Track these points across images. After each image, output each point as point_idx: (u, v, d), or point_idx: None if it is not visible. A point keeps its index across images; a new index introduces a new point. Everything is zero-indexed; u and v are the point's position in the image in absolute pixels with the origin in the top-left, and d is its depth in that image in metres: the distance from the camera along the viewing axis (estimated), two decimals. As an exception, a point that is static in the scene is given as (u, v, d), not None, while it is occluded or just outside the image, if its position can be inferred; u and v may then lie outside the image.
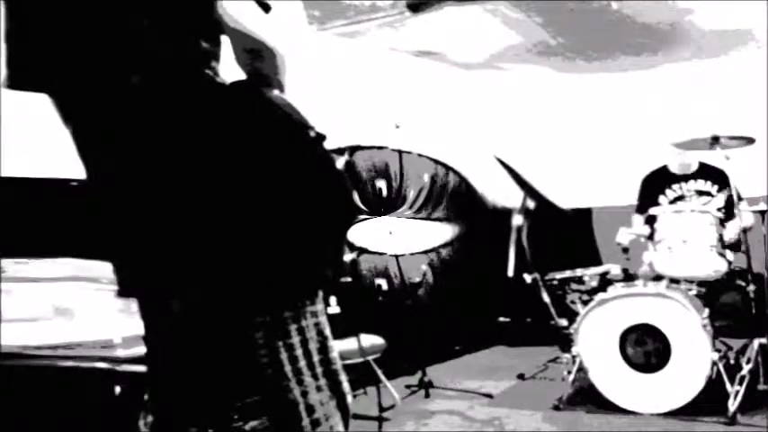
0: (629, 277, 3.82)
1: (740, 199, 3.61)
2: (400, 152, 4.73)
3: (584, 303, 3.72)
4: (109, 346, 1.74)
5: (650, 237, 3.60)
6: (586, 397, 3.52)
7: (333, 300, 3.32)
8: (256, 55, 1.14)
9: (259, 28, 1.12)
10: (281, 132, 1.16)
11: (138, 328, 1.16)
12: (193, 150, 1.09)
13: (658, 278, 3.54)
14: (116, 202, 1.12)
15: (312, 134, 1.17)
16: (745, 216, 3.50)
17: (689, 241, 3.39)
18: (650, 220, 3.66)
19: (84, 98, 1.10)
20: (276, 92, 1.17)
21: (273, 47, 1.14)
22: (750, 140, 3.42)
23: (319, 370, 1.17)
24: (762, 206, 3.48)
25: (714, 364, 3.19)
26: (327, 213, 1.18)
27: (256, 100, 1.16)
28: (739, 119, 3.90)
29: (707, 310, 3.33)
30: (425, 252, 5.22)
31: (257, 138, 1.13)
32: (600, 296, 3.52)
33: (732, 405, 3.09)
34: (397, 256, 4.42)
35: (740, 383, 3.18)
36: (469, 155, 5.60)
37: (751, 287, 3.30)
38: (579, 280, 3.93)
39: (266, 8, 1.18)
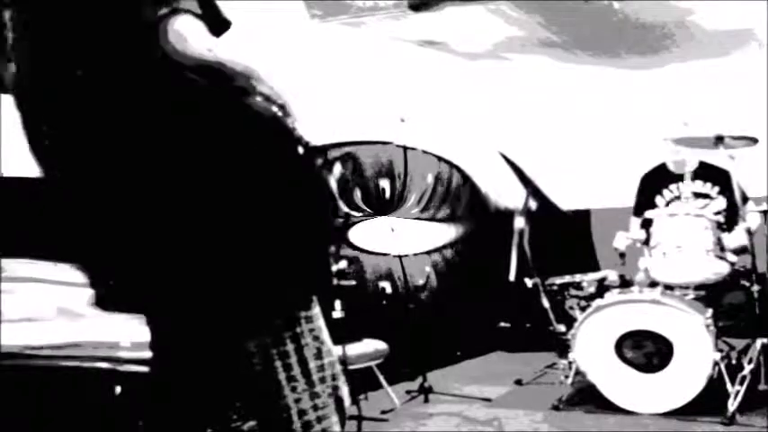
0: (625, 283, 3.82)
1: (746, 199, 3.60)
2: (405, 148, 4.71)
3: (582, 309, 3.73)
4: (114, 347, 1.75)
5: (646, 242, 3.59)
6: (585, 397, 3.52)
7: (337, 304, 3.32)
8: (218, 72, 1.14)
9: (204, 48, 1.11)
10: (268, 144, 1.17)
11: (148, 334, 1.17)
12: (183, 159, 1.09)
13: (654, 284, 3.53)
14: (97, 212, 1.12)
15: (301, 148, 1.18)
16: (750, 217, 3.48)
17: (683, 246, 3.38)
18: (646, 224, 3.65)
19: (70, 107, 1.11)
20: (262, 101, 1.17)
21: (226, 61, 1.12)
22: (753, 141, 3.40)
23: (316, 376, 1.18)
24: (764, 206, 3.47)
25: (716, 364, 3.19)
26: (314, 223, 1.19)
27: (243, 111, 1.16)
28: (742, 119, 3.89)
29: (710, 311, 3.33)
30: (428, 252, 5.21)
31: (245, 147, 1.13)
32: (597, 302, 3.52)
33: (732, 405, 3.09)
34: (400, 258, 4.41)
35: (741, 383, 3.18)
36: (474, 151, 5.58)
37: (755, 287, 3.30)
38: (578, 285, 3.94)
39: (226, 25, 1.18)
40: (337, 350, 3.12)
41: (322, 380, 1.18)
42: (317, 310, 1.22)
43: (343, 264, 3.84)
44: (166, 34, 1.07)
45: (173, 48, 1.08)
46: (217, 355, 1.12)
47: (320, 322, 1.22)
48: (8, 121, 2.10)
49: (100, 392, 2.08)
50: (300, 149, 1.18)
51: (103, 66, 1.10)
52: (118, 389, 2.06)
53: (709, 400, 3.18)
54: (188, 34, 1.08)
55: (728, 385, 3.16)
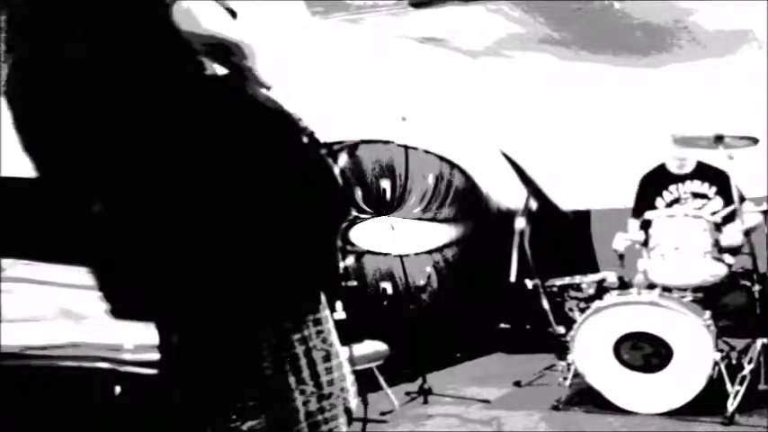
0: (624, 285, 3.82)
1: (743, 199, 3.60)
2: (406, 147, 4.70)
3: (582, 311, 3.73)
4: (117, 350, 1.74)
5: (645, 243, 3.59)
6: (585, 398, 3.52)
7: (339, 305, 3.31)
8: (223, 50, 1.12)
9: (217, 25, 1.10)
10: (273, 136, 1.15)
11: (153, 337, 1.16)
12: (187, 154, 1.07)
13: (652, 286, 3.53)
14: (100, 212, 1.11)
15: (305, 139, 1.16)
16: (748, 217, 3.48)
17: (681, 248, 3.39)
18: (645, 225, 3.65)
19: (73, 103, 1.09)
20: (266, 91, 1.15)
21: (238, 40, 1.11)
22: (754, 141, 3.40)
23: (325, 378, 1.17)
24: (764, 206, 3.47)
25: (716, 364, 3.19)
26: (322, 221, 1.17)
27: (246, 104, 1.14)
28: (742, 119, 3.89)
29: (708, 313, 3.33)
30: (430, 252, 5.20)
31: (250, 141, 1.12)
32: (596, 304, 3.52)
33: (731, 405, 3.09)
34: (401, 258, 4.40)
35: (741, 383, 3.19)
36: (475, 150, 5.57)
37: (756, 287, 3.30)
38: (577, 287, 3.95)
39: (232, 14, 1.17)
40: (344, 351, 3.12)
41: (330, 382, 1.18)
42: (326, 313, 1.21)
43: (350, 260, 3.84)
44: (176, 13, 1.06)
45: (182, 27, 1.06)
46: (226, 357, 1.11)
47: (329, 324, 1.21)
48: (8, 121, 2.08)
49: (100, 392, 2.06)
50: (305, 139, 1.16)
51: (112, 52, 1.08)
52: (118, 389, 2.04)
53: (709, 400, 3.18)
54: (198, 13, 1.07)
55: (728, 385, 3.16)
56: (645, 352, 3.35)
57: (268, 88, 1.16)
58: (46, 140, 1.14)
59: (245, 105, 1.15)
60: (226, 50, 1.11)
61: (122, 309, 1.14)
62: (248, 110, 1.15)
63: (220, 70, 1.19)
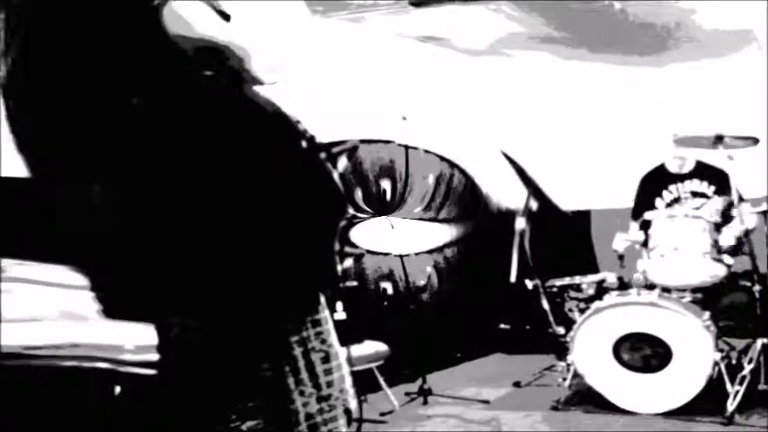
0: (623, 285, 3.83)
1: (742, 200, 3.60)
2: (406, 147, 4.70)
3: (581, 311, 3.73)
4: (117, 350, 1.74)
5: (644, 243, 3.59)
6: (585, 398, 3.53)
7: (339, 305, 3.31)
8: (213, 53, 1.11)
9: (206, 28, 1.09)
10: (271, 139, 1.15)
11: (154, 337, 1.15)
12: (186, 158, 1.07)
13: (652, 287, 3.53)
14: (96, 212, 1.10)
15: (304, 143, 1.16)
16: (747, 218, 3.48)
17: (681, 249, 3.39)
18: (645, 226, 3.65)
19: (67, 99, 1.08)
20: (262, 92, 1.15)
21: (228, 42, 1.10)
22: (754, 141, 3.40)
23: (324, 380, 1.17)
24: (764, 207, 3.47)
25: (716, 364, 3.20)
26: (320, 223, 1.17)
27: (245, 106, 1.14)
28: (742, 119, 3.89)
29: (707, 314, 3.34)
30: (430, 252, 5.20)
31: (247, 141, 1.11)
32: (595, 305, 3.53)
33: (731, 405, 3.09)
34: (401, 258, 4.40)
35: (740, 383, 3.19)
36: (475, 150, 5.57)
37: (756, 287, 3.30)
38: (577, 287, 3.95)
39: (226, 17, 1.16)
40: (343, 352, 3.12)
41: (329, 384, 1.17)
42: (325, 314, 1.21)
43: (348, 262, 3.83)
44: (165, 17, 1.05)
45: (172, 31, 1.05)
46: (225, 358, 1.11)
47: (328, 325, 1.20)
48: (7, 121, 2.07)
49: (100, 392, 2.06)
50: (304, 143, 1.16)
51: (104, 51, 1.07)
52: (118, 389, 2.04)
53: (708, 401, 3.19)
54: (188, 16, 1.06)
55: (728, 385, 3.16)
56: (644, 352, 3.35)
57: (266, 90, 1.16)
58: (42, 140, 1.14)
59: (243, 107, 1.15)
60: (217, 54, 1.11)
61: (117, 309, 1.14)
62: (246, 112, 1.15)
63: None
